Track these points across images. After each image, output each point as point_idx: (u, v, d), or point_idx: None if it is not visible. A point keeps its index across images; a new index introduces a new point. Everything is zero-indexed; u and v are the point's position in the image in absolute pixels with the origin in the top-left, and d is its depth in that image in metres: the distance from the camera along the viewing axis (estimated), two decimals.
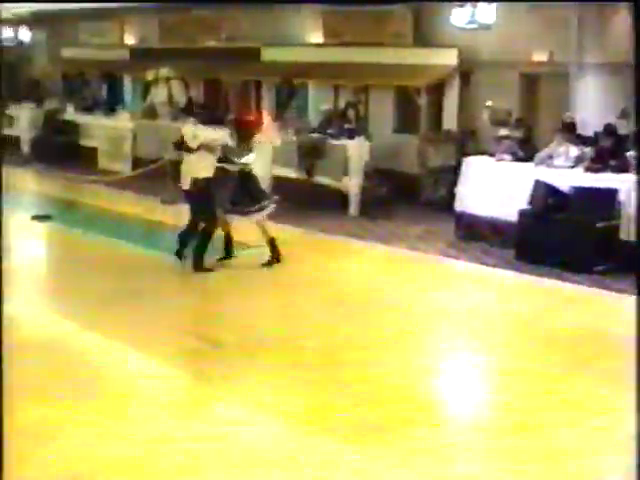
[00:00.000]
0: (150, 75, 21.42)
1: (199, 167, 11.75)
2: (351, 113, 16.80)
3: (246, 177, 11.89)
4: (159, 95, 21.09)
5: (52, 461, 6.30)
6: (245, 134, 12.06)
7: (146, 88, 22.31)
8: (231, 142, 11.97)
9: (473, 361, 8.52)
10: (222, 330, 9.20)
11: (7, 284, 11.00)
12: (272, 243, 11.88)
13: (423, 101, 16.83)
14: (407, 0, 16.71)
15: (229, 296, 10.65)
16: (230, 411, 7.14)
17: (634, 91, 10.92)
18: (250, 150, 12.01)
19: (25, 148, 23.85)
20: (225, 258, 12.05)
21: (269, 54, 19.78)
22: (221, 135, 12.12)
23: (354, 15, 18.04)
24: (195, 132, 11.92)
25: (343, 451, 6.37)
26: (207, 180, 11.72)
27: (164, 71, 20.72)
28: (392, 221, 14.66)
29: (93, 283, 11.11)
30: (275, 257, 11.84)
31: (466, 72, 16.32)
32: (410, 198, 15.78)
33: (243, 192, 11.81)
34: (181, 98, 20.86)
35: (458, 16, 15.63)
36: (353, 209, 15.27)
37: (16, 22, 27.60)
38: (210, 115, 20.28)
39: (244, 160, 11.85)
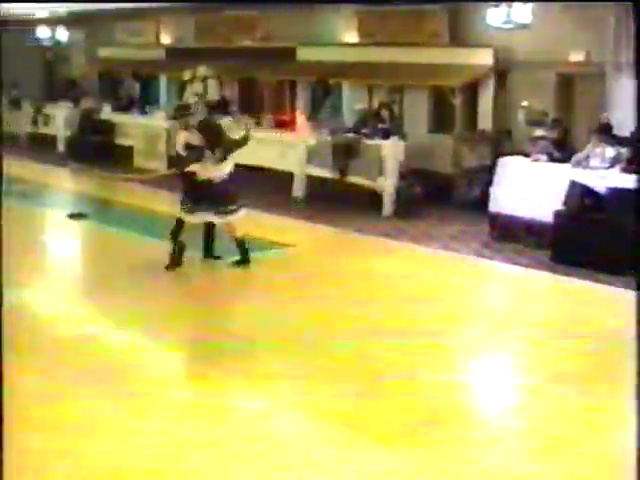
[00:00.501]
0: (186, 74, 21.49)
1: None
2: (386, 113, 16.77)
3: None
4: (195, 94, 21.14)
5: (89, 456, 6.35)
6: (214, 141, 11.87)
7: (182, 87, 22.39)
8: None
9: (507, 362, 8.49)
10: (253, 327, 9.22)
11: (44, 281, 11.18)
12: (241, 244, 11.78)
13: (458, 101, 16.78)
14: (443, 0, 16.67)
15: (260, 293, 10.65)
16: (262, 409, 7.17)
17: (635, 90, 10.83)
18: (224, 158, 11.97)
19: (61, 147, 24.03)
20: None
21: (304, 54, 19.80)
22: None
23: (389, 15, 18.02)
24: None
25: (378, 451, 6.37)
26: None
27: (200, 70, 20.78)
28: (426, 221, 14.62)
29: (127, 281, 11.17)
30: (246, 258, 11.72)
31: (502, 72, 16.25)
32: (444, 198, 15.74)
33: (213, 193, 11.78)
34: (216, 97, 20.91)
35: (494, 16, 15.58)
36: (387, 209, 15.24)
37: (54, 22, 27.84)
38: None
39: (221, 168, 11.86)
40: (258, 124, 19.51)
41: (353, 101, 18.72)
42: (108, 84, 25.52)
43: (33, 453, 6.36)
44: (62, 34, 28.37)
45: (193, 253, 11.94)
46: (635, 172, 11.75)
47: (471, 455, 6.31)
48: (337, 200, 15.66)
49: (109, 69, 25.70)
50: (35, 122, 25.51)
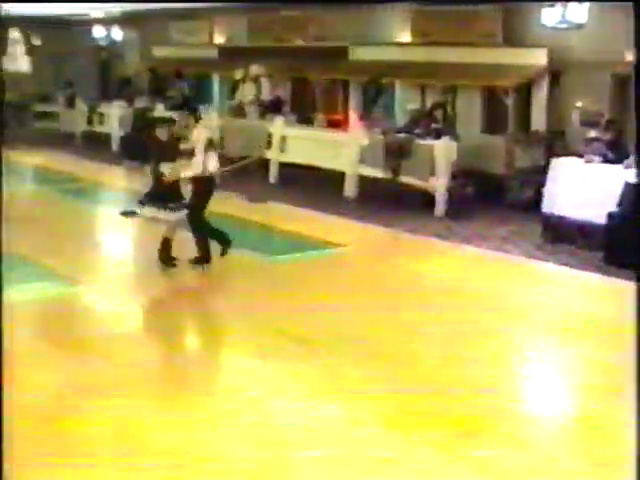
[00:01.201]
0: (238, 74, 21.61)
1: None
2: (438, 113, 16.71)
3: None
4: (247, 93, 21.26)
5: (155, 451, 6.45)
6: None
7: (234, 86, 22.51)
8: None
9: (560, 364, 8.44)
10: (308, 327, 9.22)
11: (96, 277, 11.29)
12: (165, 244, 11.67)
13: (511, 101, 16.69)
14: (498, 0, 16.58)
15: (310, 293, 10.65)
16: (320, 409, 7.20)
17: (634, 89, 10.62)
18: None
19: (115, 146, 24.27)
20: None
21: (357, 53, 19.81)
22: None
23: (443, 14, 17.97)
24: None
25: (431, 450, 6.38)
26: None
27: (253, 70, 20.88)
28: (478, 222, 14.55)
29: (178, 278, 11.26)
30: (167, 258, 11.62)
31: (556, 72, 16.12)
32: (496, 199, 15.66)
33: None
34: (269, 97, 21.01)
35: (548, 16, 15.47)
36: (439, 209, 15.20)
37: (109, 22, 28.12)
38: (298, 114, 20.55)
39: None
40: (310, 123, 19.60)
41: (405, 101, 18.69)
42: (161, 83, 25.67)
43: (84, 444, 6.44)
44: (117, 34, 28.63)
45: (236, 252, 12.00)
46: None
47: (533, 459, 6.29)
48: (389, 200, 15.65)
49: (163, 68, 25.83)
50: (90, 121, 25.79)
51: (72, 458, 6.32)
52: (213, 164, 11.48)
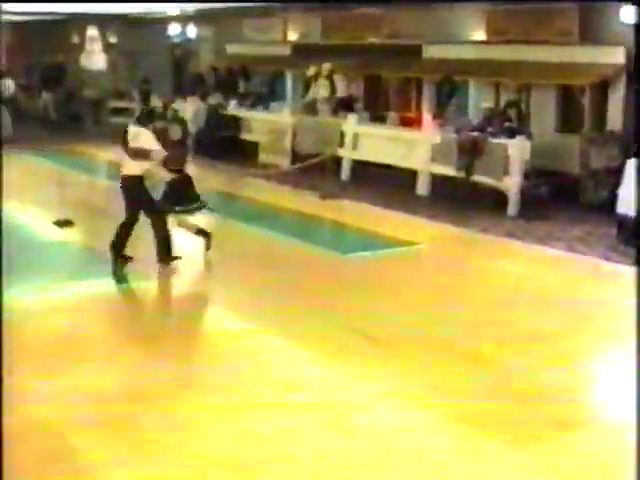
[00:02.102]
0: (311, 71, 21.67)
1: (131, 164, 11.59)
2: (512, 112, 16.61)
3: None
4: (320, 91, 21.32)
5: (219, 445, 6.52)
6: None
7: (307, 84, 22.58)
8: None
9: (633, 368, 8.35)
10: (377, 325, 9.22)
11: (170, 274, 11.42)
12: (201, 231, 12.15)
13: (587, 100, 16.50)
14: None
15: (384, 291, 10.65)
16: (391, 409, 7.22)
17: (634, 91, 10.42)
18: None
19: (189, 142, 24.46)
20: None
21: (430, 51, 19.74)
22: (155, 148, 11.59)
23: (519, 13, 17.82)
24: (138, 133, 11.50)
25: (507, 453, 6.36)
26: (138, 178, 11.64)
27: (326, 67, 20.93)
28: (551, 222, 14.42)
29: (251, 275, 11.33)
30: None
31: (633, 71, 15.88)
32: (570, 199, 15.49)
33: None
34: (342, 94, 21.05)
35: (627, 13, 15.25)
36: (512, 209, 15.09)
37: (184, 19, 28.40)
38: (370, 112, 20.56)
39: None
40: (383, 121, 19.59)
41: (479, 99, 18.60)
42: (235, 80, 25.85)
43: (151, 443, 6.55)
44: (191, 31, 28.89)
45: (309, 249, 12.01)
46: None
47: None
48: (461, 199, 15.58)
49: (236, 65, 26.01)
50: (164, 117, 26.04)
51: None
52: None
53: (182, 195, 11.65)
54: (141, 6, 24.79)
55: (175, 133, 11.34)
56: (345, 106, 20.52)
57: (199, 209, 11.94)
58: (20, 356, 8.38)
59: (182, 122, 12.04)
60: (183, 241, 12.16)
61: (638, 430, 5.47)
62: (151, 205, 11.54)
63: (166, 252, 11.50)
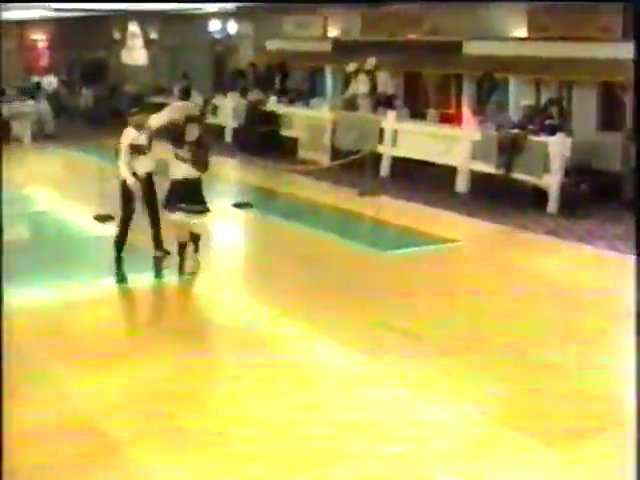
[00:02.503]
0: (351, 67, 21.66)
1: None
2: (553, 109, 16.50)
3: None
4: (360, 87, 21.31)
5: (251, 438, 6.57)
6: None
7: (347, 80, 22.58)
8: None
9: None
10: (416, 322, 9.23)
11: (208, 268, 11.48)
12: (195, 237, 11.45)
13: (629, 98, 16.36)
14: None
15: (422, 288, 10.65)
16: (426, 407, 7.23)
17: (634, 90, 10.22)
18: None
19: (228, 137, 24.58)
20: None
21: (471, 48, 19.66)
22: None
23: (561, 9, 17.70)
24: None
25: (545, 453, 6.34)
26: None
27: (370, 62, 20.91)
28: (592, 220, 14.31)
29: (289, 270, 11.39)
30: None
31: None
32: (611, 197, 15.36)
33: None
34: (382, 90, 21.02)
35: None
36: (552, 206, 15.00)
37: (225, 15, 28.49)
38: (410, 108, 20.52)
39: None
40: (423, 118, 19.56)
41: (520, 96, 18.49)
42: (275, 76, 25.88)
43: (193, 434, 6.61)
44: (232, 27, 28.97)
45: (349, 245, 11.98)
46: None
47: None
48: (500, 196, 15.50)
49: (276, 61, 26.04)
50: (204, 113, 26.14)
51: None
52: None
53: (185, 195, 11.24)
54: (178, 5, 24.93)
55: (191, 134, 11.10)
56: (385, 103, 20.49)
57: (201, 212, 11.38)
58: (61, 350, 8.49)
59: (199, 120, 11.77)
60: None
61: (638, 430, 5.48)
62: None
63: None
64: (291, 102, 23.42)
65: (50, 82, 30.69)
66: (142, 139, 11.51)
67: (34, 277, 10.75)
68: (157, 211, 11.64)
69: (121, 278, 11.23)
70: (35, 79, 31.04)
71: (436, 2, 20.05)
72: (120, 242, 11.54)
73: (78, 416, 7.03)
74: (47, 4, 24.17)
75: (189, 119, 11.24)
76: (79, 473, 6.14)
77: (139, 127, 11.56)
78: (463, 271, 11.51)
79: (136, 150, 11.45)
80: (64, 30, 33.05)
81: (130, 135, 11.49)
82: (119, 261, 11.50)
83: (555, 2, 17.69)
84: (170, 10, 28.01)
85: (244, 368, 8.00)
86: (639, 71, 7.38)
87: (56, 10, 27.15)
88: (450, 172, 16.96)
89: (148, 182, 11.62)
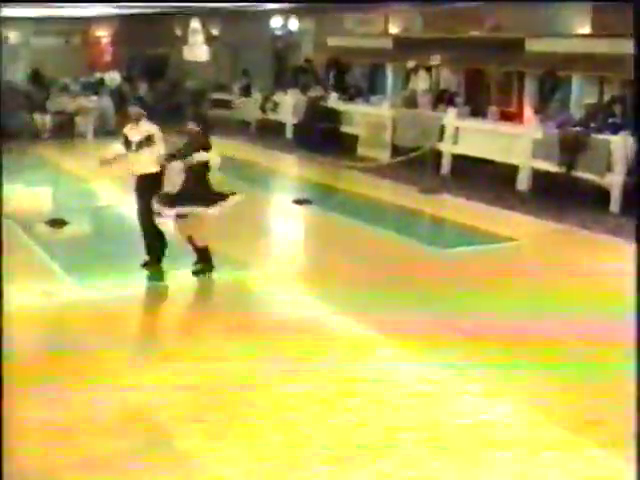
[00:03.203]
0: (411, 64, 21.62)
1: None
2: (617, 107, 16.30)
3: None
4: (419, 84, 21.25)
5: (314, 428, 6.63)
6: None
7: (407, 77, 22.54)
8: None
9: None
10: (474, 320, 9.17)
11: (268, 263, 11.52)
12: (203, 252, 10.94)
13: None
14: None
15: (482, 287, 10.57)
16: (491, 408, 7.21)
17: (634, 90, 9.99)
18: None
19: (289, 134, 24.66)
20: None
21: (533, 45, 19.48)
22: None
23: (626, 6, 17.46)
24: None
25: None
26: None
27: (435, 59, 20.85)
28: None
29: (348, 267, 11.39)
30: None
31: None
32: None
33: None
34: (445, 87, 20.94)
35: None
36: (614, 206, 14.83)
37: (286, 12, 28.55)
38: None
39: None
40: (484, 116, 19.44)
41: (582, 94, 18.29)
42: (334, 73, 25.90)
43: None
44: (293, 24, 29.03)
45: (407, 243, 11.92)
46: None
47: None
48: (562, 195, 15.36)
49: (338, 58, 26.04)
50: (264, 109, 26.27)
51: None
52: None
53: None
54: (239, 3, 25.05)
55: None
56: (448, 100, 20.41)
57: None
58: (120, 343, 8.59)
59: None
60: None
61: (637, 426, 5.43)
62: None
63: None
64: (351, 99, 23.42)
65: (113, 78, 30.97)
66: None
67: (95, 270, 10.87)
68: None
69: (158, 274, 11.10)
70: (98, 75, 31.39)
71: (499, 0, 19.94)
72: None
73: (136, 408, 7.11)
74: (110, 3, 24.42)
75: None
76: (135, 464, 6.21)
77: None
78: (522, 270, 11.43)
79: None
80: (127, 27, 33.36)
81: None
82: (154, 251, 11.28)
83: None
84: (231, 7, 28.14)
85: (302, 363, 8.03)
86: (639, 70, 7.29)
87: (118, 7, 27.43)
88: (511, 170, 16.85)
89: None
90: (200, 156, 10.42)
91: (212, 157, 10.58)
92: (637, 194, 10.12)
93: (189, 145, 10.62)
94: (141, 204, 10.96)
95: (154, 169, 10.88)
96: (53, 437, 6.58)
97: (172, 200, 10.54)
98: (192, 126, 10.70)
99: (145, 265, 11.04)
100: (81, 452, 6.35)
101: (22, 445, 6.25)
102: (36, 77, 28.56)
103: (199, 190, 10.63)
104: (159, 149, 10.91)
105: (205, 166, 10.59)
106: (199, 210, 10.58)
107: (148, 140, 10.88)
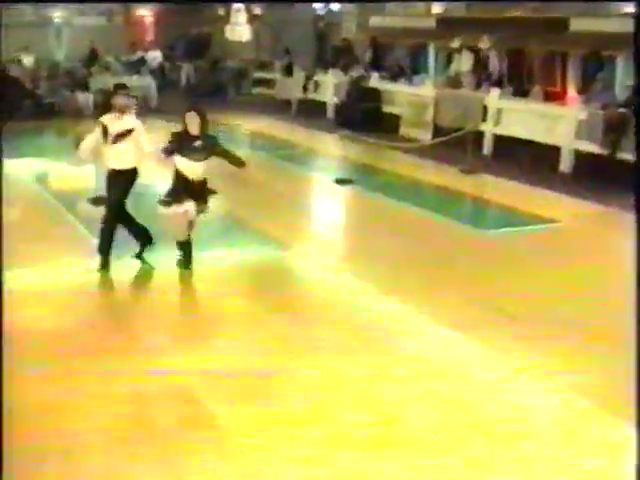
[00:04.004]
0: (455, 43, 21.48)
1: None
2: None
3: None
4: (463, 64, 21.12)
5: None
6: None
7: (449, 57, 22.40)
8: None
9: None
10: (516, 302, 9.16)
11: (308, 243, 11.54)
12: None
13: None
14: None
15: (523, 268, 10.53)
16: (526, 389, 7.23)
17: (634, 89, 9.82)
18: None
19: (330, 114, 24.62)
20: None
21: (578, 24, 19.27)
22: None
23: None
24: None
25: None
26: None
27: (470, 40, 20.70)
28: None
29: (389, 247, 11.37)
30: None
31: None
32: None
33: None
34: (492, 69, 20.79)
35: None
36: None
37: None
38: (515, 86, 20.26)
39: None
40: (527, 96, 19.29)
41: (627, 75, 18.09)
42: (378, 52, 25.81)
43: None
44: (335, 4, 28.94)
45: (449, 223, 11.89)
46: None
47: None
48: (605, 177, 15.21)
49: (380, 37, 25.93)
50: (305, 89, 26.24)
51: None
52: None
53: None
54: None
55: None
56: (489, 80, 20.27)
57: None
58: (166, 325, 8.67)
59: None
60: None
61: (638, 429, 5.39)
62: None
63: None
64: (394, 79, 23.33)
65: (154, 57, 31.12)
66: None
67: (135, 248, 10.87)
68: None
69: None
70: (140, 54, 31.53)
71: None
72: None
73: (177, 386, 7.18)
74: None
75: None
76: (176, 442, 6.28)
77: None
78: (564, 252, 11.35)
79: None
80: (169, 6, 33.43)
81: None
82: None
83: None
84: None
85: (343, 344, 8.05)
86: (638, 70, 7.24)
87: None
88: (553, 151, 16.71)
89: None
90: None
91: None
92: (636, 190, 10.00)
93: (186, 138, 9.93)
94: (111, 198, 10.30)
95: (129, 165, 10.23)
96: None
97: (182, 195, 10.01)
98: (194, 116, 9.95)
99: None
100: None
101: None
102: (93, 55, 28.90)
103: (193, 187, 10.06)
104: (143, 145, 10.28)
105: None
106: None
107: (128, 133, 10.16)
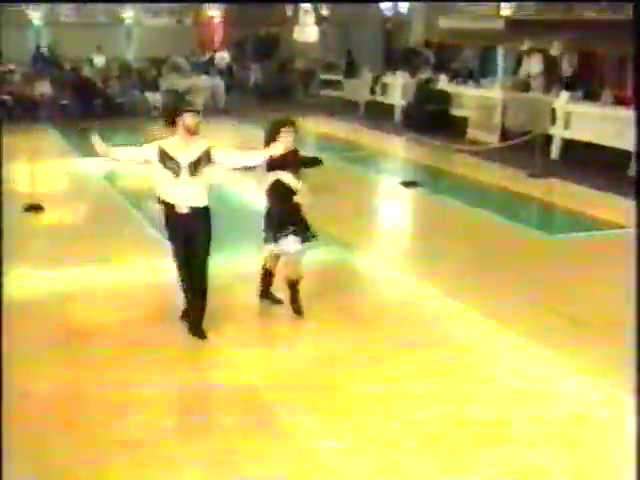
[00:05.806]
0: (525, 46, 21.31)
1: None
2: None
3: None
4: (532, 67, 20.95)
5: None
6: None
7: (519, 59, 22.22)
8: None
9: None
10: (582, 308, 9.09)
11: (372, 244, 11.51)
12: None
13: None
14: None
15: (590, 274, 10.41)
16: (583, 391, 7.17)
17: (634, 89, 9.49)
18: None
19: (397, 116, 24.59)
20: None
21: None
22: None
23: None
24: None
25: None
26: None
27: (539, 42, 20.53)
28: None
29: (455, 250, 11.34)
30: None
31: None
32: None
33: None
34: (564, 72, 20.59)
35: None
36: None
37: None
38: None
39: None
40: (597, 100, 19.06)
41: None
42: (446, 54, 25.73)
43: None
44: (403, 5, 28.89)
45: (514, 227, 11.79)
46: None
47: None
48: None
49: (449, 39, 25.85)
50: (373, 91, 26.25)
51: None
52: None
53: None
54: None
55: None
56: (566, 84, 20.03)
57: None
58: (225, 322, 8.71)
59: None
60: None
61: (638, 427, 5.28)
62: None
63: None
64: (462, 81, 23.23)
65: (223, 57, 31.35)
66: None
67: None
68: None
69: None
70: (208, 55, 31.80)
71: None
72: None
73: (241, 385, 7.24)
74: None
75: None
76: (240, 440, 6.33)
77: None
78: (630, 258, 11.19)
79: None
80: (238, 7, 33.66)
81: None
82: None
83: None
84: None
85: (409, 346, 8.05)
86: (638, 69, 7.11)
87: None
88: (623, 156, 16.49)
89: None
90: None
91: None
92: (637, 187, 9.85)
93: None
94: (197, 252, 8.20)
95: (206, 200, 8.19)
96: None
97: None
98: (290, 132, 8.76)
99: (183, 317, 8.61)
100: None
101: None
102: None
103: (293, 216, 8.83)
104: (234, 160, 8.56)
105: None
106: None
107: (206, 158, 8.11)
